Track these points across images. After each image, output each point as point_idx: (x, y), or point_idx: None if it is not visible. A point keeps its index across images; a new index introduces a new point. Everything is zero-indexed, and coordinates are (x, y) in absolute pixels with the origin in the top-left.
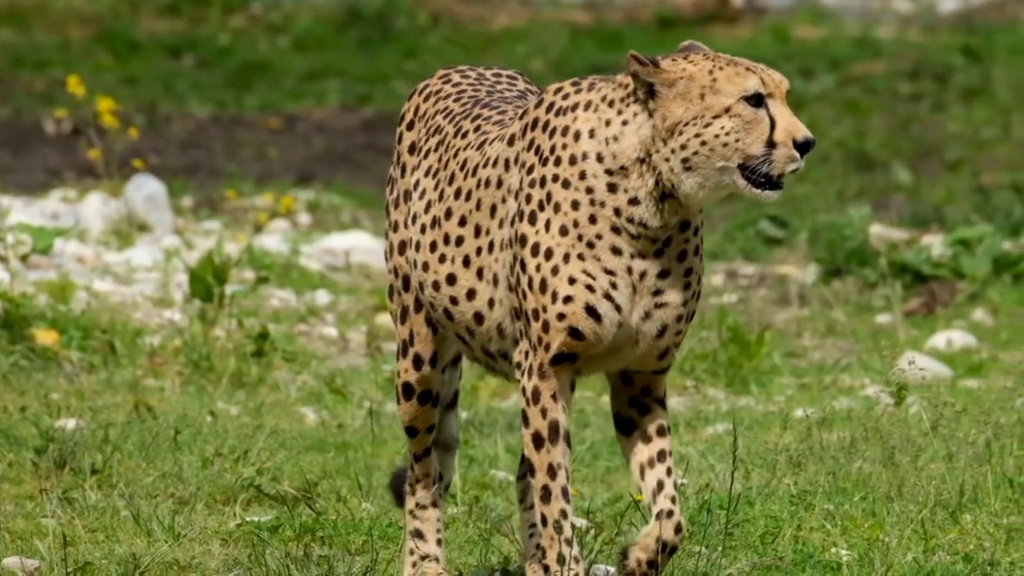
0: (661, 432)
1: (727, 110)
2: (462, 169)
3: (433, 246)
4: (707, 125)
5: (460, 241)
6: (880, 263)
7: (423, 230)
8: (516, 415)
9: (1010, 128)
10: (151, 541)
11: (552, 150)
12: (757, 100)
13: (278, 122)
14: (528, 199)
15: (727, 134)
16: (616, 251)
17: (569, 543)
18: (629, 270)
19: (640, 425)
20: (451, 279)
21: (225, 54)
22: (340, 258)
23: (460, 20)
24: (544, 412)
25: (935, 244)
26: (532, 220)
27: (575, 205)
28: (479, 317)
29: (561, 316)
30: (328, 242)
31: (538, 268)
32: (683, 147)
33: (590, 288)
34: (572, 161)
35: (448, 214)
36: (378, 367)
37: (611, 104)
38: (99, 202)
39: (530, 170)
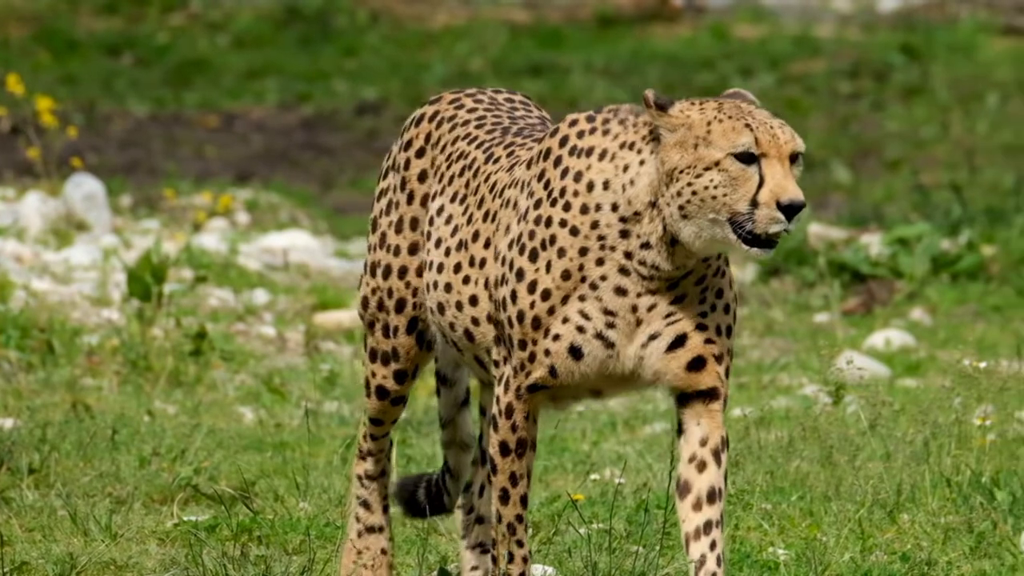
0: (712, 497)
1: (717, 164)
2: (491, 191)
3: (458, 267)
4: (698, 176)
5: (483, 263)
6: (819, 262)
7: (447, 253)
8: None
9: (949, 127)
10: (88, 541)
11: (563, 193)
12: (748, 158)
13: (217, 121)
14: (531, 235)
15: (715, 187)
16: (620, 291)
17: (520, 544)
18: (634, 308)
19: (694, 487)
20: (474, 300)
21: (164, 52)
22: (278, 257)
23: (400, 19)
24: (514, 427)
25: (874, 243)
26: (533, 257)
27: (583, 251)
28: (499, 340)
29: (548, 352)
30: (266, 241)
31: (532, 305)
32: (678, 194)
33: (580, 329)
34: (584, 211)
35: (475, 236)
36: (316, 366)
37: (631, 147)
38: (37, 201)
39: (537, 204)
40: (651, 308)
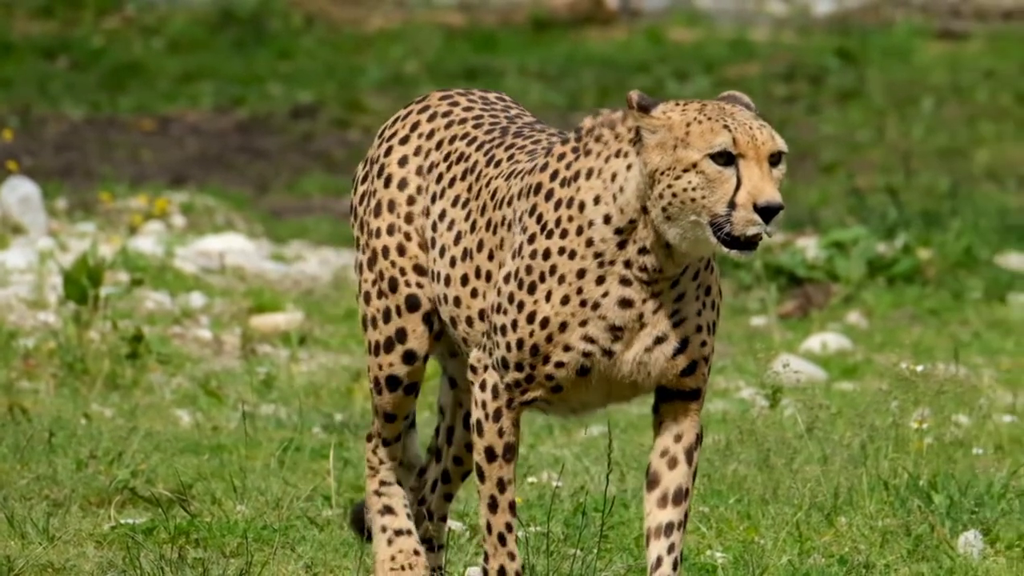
0: (678, 497)
1: (694, 165)
2: (492, 199)
3: (465, 279)
4: (677, 178)
5: (490, 276)
6: (755, 265)
7: (452, 263)
8: None
9: (884, 130)
10: (25, 543)
11: (557, 223)
12: (726, 158)
13: (152, 124)
14: (528, 270)
15: (693, 189)
16: (625, 304)
17: (512, 557)
18: (640, 316)
19: (662, 482)
20: (483, 315)
21: (99, 56)
22: (214, 260)
23: (334, 22)
24: (501, 433)
25: (810, 246)
26: (531, 290)
27: (581, 274)
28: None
29: (550, 377)
30: (202, 244)
31: (531, 335)
32: (660, 196)
33: (586, 354)
34: (579, 232)
35: (480, 246)
36: (253, 369)
37: (616, 155)
38: None
39: (531, 239)
40: (656, 311)
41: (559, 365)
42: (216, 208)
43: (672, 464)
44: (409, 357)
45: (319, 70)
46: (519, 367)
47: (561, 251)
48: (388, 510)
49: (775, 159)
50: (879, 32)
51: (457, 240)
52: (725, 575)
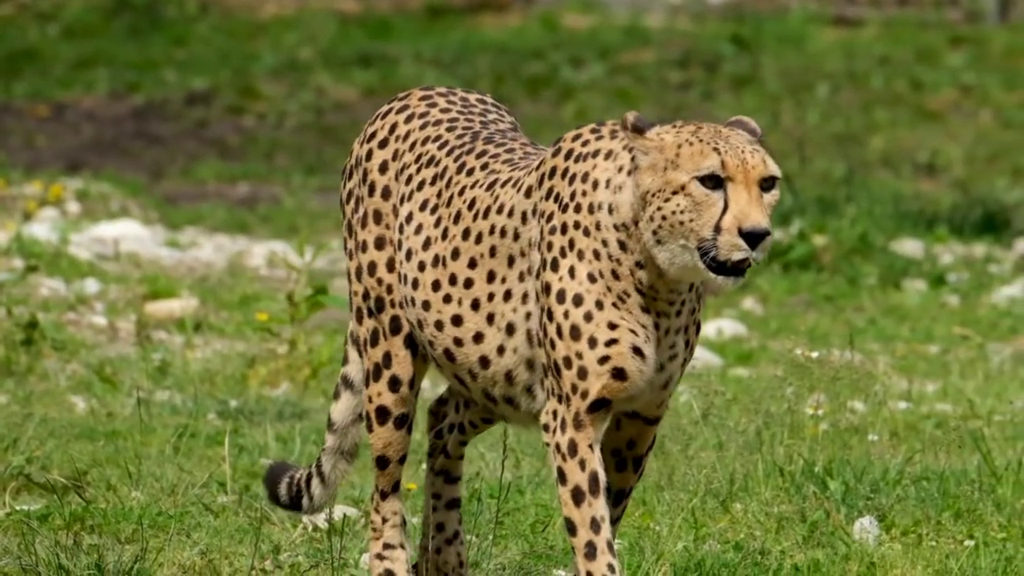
0: (618, 499)
1: (683, 187)
2: (470, 208)
3: (436, 285)
4: (666, 200)
5: (469, 284)
6: None
7: (422, 267)
8: (286, 403)
9: (779, 117)
10: None
11: (572, 196)
12: (714, 182)
13: (47, 110)
14: (549, 247)
15: (682, 212)
16: (645, 310)
17: None
18: (657, 326)
19: (614, 482)
20: (457, 320)
21: None
22: (109, 247)
23: (229, 8)
24: (583, 464)
25: None
26: (555, 267)
27: (596, 255)
28: (484, 361)
29: (604, 359)
30: (97, 231)
31: (566, 315)
32: (651, 219)
33: (633, 331)
34: (591, 210)
35: (456, 254)
36: (147, 355)
37: (628, 150)
38: None
39: (549, 218)
40: (667, 332)
41: (610, 343)
42: (111, 194)
43: (621, 466)
44: (394, 384)
45: (214, 57)
46: (568, 362)
47: (576, 225)
48: (390, 574)
49: (767, 184)
50: (774, 19)
51: (426, 246)
52: (621, 561)
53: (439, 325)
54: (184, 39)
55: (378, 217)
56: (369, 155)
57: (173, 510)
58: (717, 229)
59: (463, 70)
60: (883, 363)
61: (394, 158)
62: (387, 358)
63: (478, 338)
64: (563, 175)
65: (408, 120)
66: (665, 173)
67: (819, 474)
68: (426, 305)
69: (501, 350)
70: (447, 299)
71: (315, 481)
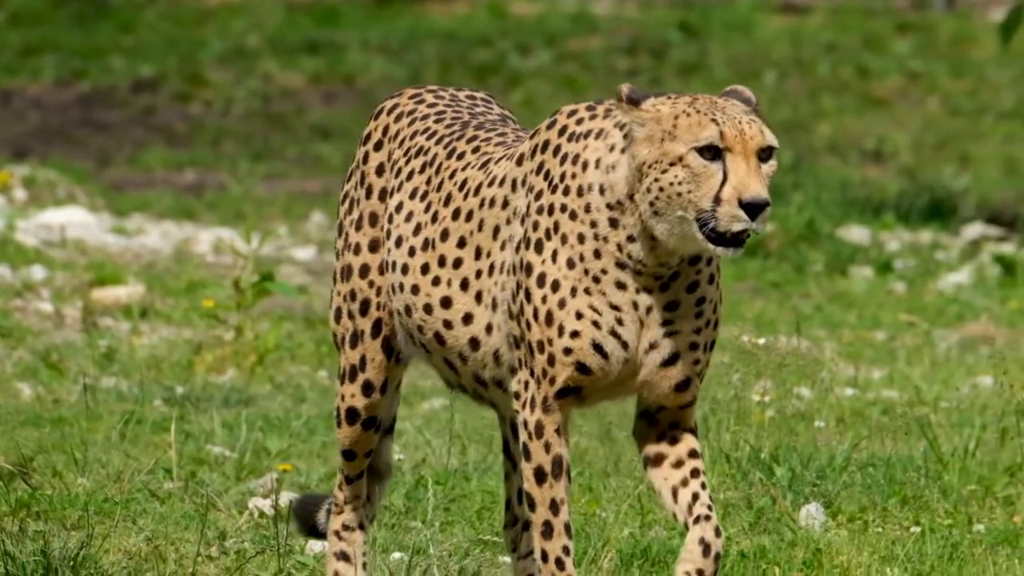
0: (693, 454)
1: (680, 159)
2: (461, 189)
3: (425, 268)
4: (664, 172)
5: (458, 263)
6: None
7: (412, 252)
8: (232, 390)
9: None
10: None
11: (562, 178)
12: (713, 152)
13: None
14: (535, 226)
15: (680, 184)
16: (621, 286)
17: None
18: (635, 305)
19: (670, 454)
20: (446, 302)
21: None
22: (56, 233)
23: None
24: (548, 447)
25: None
26: (539, 249)
27: (581, 238)
28: (475, 342)
29: (568, 351)
30: (44, 217)
31: (544, 300)
32: (648, 190)
33: (596, 324)
34: (580, 192)
35: (445, 235)
36: (94, 342)
37: (622, 128)
38: None
39: (538, 195)
40: (649, 310)
41: (574, 335)
42: (57, 181)
43: (674, 441)
44: (367, 388)
45: (160, 44)
46: (540, 346)
47: (563, 208)
48: (344, 556)
49: (765, 154)
50: (721, 6)
51: (417, 231)
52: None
53: (428, 308)
54: (131, 26)
55: (374, 220)
56: (366, 158)
57: (119, 496)
58: (717, 200)
59: (410, 57)
60: (830, 350)
61: (389, 159)
62: (363, 361)
63: (467, 319)
64: (555, 152)
65: (398, 119)
66: (662, 145)
67: (765, 460)
68: (415, 289)
69: (489, 329)
70: (436, 281)
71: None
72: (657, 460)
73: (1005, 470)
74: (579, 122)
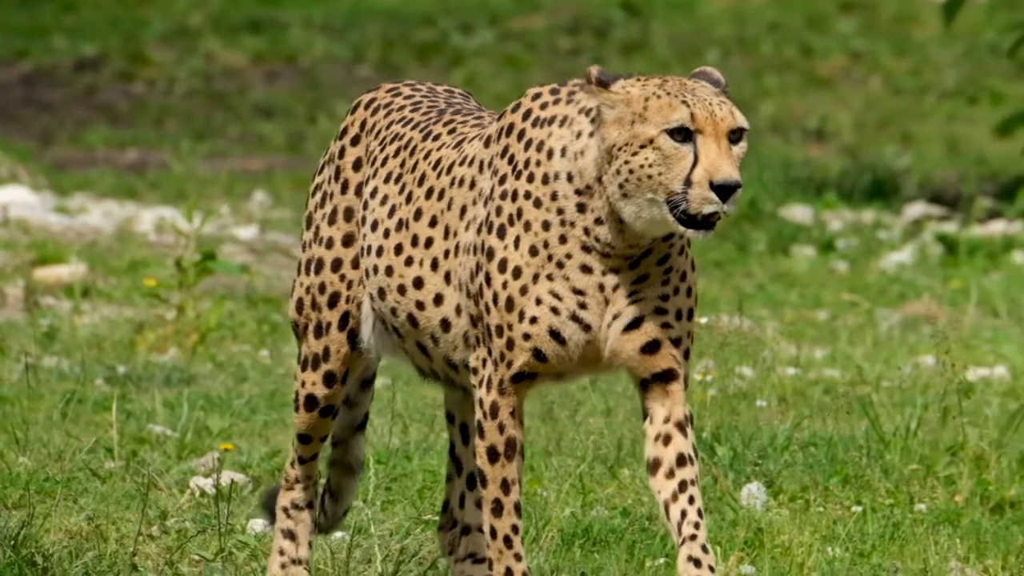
0: (681, 461)
1: (651, 141)
2: (435, 168)
3: (399, 249)
4: (634, 154)
5: (429, 243)
6: None
7: (387, 234)
8: (174, 369)
9: None
10: None
11: (526, 164)
12: (684, 134)
13: None
14: (498, 211)
15: (650, 166)
16: (586, 269)
17: (519, 558)
18: (600, 287)
19: (663, 461)
20: (418, 283)
21: None
22: None
23: None
24: (502, 428)
25: None
26: (501, 234)
27: (546, 225)
28: (446, 324)
29: (527, 336)
30: None
31: (505, 285)
32: (617, 172)
33: (555, 311)
34: (544, 181)
35: (417, 215)
36: (36, 321)
37: (587, 113)
38: None
39: (502, 180)
40: (616, 288)
41: (533, 321)
42: (0, 161)
43: (667, 441)
44: (329, 379)
45: (103, 22)
46: (499, 331)
47: (527, 195)
48: (290, 535)
49: (735, 136)
50: None
51: (391, 213)
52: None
53: (402, 289)
54: (73, 5)
55: (349, 215)
56: (342, 152)
57: (60, 476)
58: (688, 182)
59: (353, 36)
60: (772, 329)
61: (366, 153)
62: (327, 352)
63: (439, 300)
64: (519, 137)
65: (374, 113)
66: (632, 127)
67: (707, 440)
68: (389, 270)
69: (459, 310)
70: (408, 261)
71: (327, 496)
72: (654, 466)
73: (946, 449)
74: (543, 107)
